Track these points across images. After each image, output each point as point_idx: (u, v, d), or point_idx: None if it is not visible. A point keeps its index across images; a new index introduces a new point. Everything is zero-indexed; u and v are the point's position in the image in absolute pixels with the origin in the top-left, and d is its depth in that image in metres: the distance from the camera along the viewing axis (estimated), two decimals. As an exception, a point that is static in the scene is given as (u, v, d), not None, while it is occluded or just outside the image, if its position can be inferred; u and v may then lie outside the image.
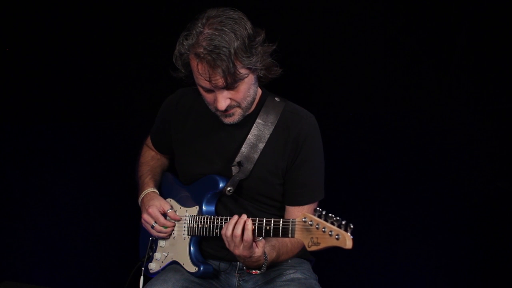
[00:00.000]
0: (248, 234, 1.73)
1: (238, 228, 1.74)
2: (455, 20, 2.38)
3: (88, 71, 3.27)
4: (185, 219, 2.02)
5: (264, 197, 2.00)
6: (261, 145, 1.95)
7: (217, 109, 1.86)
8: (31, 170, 3.52)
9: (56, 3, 3.22)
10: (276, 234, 1.71)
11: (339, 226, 1.53)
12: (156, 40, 3.02)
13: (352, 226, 1.51)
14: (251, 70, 1.81)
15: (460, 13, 2.37)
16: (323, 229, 1.55)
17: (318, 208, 1.59)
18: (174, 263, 2.04)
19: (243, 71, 1.77)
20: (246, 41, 1.75)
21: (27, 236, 3.55)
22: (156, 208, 2.03)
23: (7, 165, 3.59)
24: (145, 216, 2.06)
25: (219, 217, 1.89)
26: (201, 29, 1.75)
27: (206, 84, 1.79)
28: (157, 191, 2.14)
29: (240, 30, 1.75)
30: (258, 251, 1.77)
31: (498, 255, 2.46)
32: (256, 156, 1.94)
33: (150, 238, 2.10)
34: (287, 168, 1.96)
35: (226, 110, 1.85)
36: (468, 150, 2.48)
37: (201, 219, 1.95)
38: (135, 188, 2.20)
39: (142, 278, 2.05)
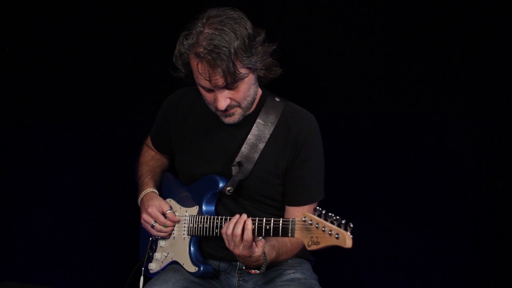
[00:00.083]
0: (248, 234, 1.73)
1: (238, 227, 1.74)
2: (455, 20, 2.38)
3: (88, 71, 3.26)
4: (185, 219, 2.02)
5: (264, 197, 2.00)
6: (261, 145, 1.95)
7: (217, 109, 1.86)
8: (31, 170, 3.52)
9: (56, 3, 3.22)
10: (276, 234, 1.71)
11: (339, 225, 1.53)
12: (156, 40, 3.02)
13: (352, 225, 1.51)
14: (251, 70, 1.81)
15: (460, 13, 2.37)
16: (323, 228, 1.55)
17: (318, 208, 1.59)
18: (174, 263, 2.04)
19: (243, 70, 1.78)
20: (246, 41, 1.76)
21: (27, 236, 3.54)
22: (156, 208, 2.03)
23: (7, 165, 3.59)
24: (144, 216, 2.06)
25: (219, 217, 1.89)
26: (201, 29, 1.76)
27: (206, 83, 1.79)
28: (157, 191, 2.14)
29: (240, 30, 1.75)
30: (257, 250, 1.77)
31: (498, 255, 2.46)
32: (256, 156, 1.94)
33: (150, 238, 2.10)
34: (287, 168, 1.96)
35: (226, 110, 1.85)
36: (468, 150, 2.48)
37: (201, 219, 1.95)
38: (135, 188, 2.20)
39: (142, 278, 2.06)
